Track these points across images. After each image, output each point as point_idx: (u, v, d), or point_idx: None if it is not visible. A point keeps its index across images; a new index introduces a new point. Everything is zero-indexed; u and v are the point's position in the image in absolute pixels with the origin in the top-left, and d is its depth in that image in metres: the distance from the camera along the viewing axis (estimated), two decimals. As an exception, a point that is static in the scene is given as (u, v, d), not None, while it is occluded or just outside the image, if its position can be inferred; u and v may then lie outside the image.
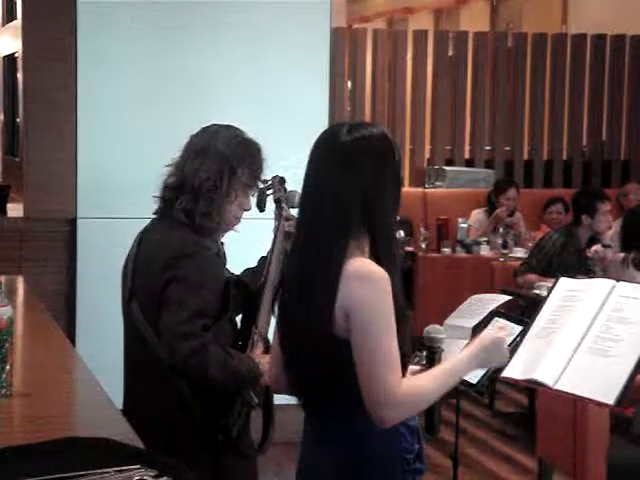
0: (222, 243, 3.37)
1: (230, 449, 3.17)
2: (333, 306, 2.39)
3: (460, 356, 2.56)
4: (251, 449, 3.28)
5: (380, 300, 2.38)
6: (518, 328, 3.50)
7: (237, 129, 3.33)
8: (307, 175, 2.53)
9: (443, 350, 2.66)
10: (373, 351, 2.37)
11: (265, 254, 3.40)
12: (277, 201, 3.31)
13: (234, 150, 3.23)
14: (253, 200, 3.32)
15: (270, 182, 3.32)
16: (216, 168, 3.19)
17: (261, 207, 3.30)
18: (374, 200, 2.46)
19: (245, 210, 3.29)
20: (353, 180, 2.44)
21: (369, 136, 2.51)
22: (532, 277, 6.64)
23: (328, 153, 2.50)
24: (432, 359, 2.67)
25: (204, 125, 3.36)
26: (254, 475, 3.39)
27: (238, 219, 3.30)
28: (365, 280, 2.39)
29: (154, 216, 3.36)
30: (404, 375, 2.47)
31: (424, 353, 2.73)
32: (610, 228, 6.90)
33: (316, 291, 2.42)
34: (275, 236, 3.33)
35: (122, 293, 3.30)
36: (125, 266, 3.32)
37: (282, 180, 3.33)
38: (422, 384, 2.46)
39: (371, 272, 2.40)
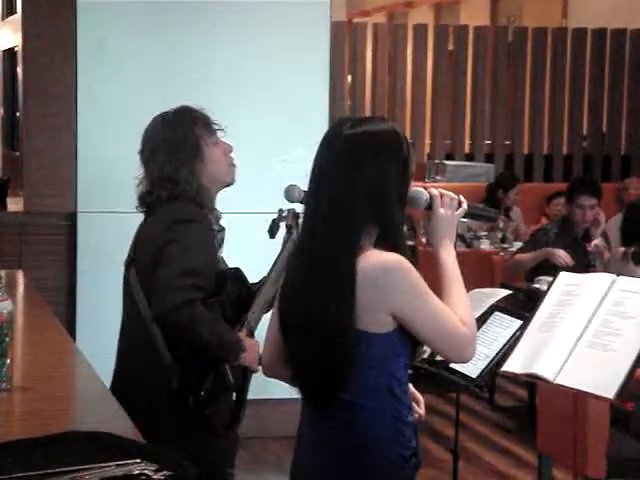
0: (224, 229, 3.44)
1: (201, 424, 3.23)
2: (353, 300, 2.42)
3: (443, 261, 2.62)
4: (221, 427, 3.32)
5: (411, 277, 2.44)
6: (518, 322, 3.51)
7: (162, 113, 3.46)
8: (312, 171, 2.53)
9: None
10: (434, 318, 2.46)
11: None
12: (289, 227, 3.35)
13: (169, 124, 3.38)
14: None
15: (285, 214, 3.34)
16: (165, 153, 3.34)
17: (272, 234, 3.36)
18: (377, 196, 2.45)
19: (230, 150, 3.42)
20: (354, 175, 2.44)
21: (372, 131, 2.49)
22: (521, 256, 6.59)
23: (331, 148, 2.49)
24: None
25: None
26: (228, 455, 3.44)
27: (232, 164, 3.43)
28: (390, 270, 2.42)
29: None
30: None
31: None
32: (598, 223, 6.88)
33: (331, 289, 2.44)
34: (280, 255, 3.36)
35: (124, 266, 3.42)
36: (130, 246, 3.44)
37: (297, 215, 3.35)
38: (460, 306, 2.53)
39: (390, 261, 2.43)
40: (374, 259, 2.43)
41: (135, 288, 3.27)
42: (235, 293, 3.34)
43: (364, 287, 2.42)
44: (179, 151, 3.32)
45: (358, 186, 2.44)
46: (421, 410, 2.74)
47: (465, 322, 2.49)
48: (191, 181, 3.30)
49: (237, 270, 3.39)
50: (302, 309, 2.51)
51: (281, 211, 3.36)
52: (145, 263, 3.25)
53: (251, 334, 3.33)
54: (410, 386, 2.70)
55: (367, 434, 2.49)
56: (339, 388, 2.48)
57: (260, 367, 3.11)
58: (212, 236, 3.32)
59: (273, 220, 3.35)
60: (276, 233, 3.35)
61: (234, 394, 3.35)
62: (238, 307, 3.33)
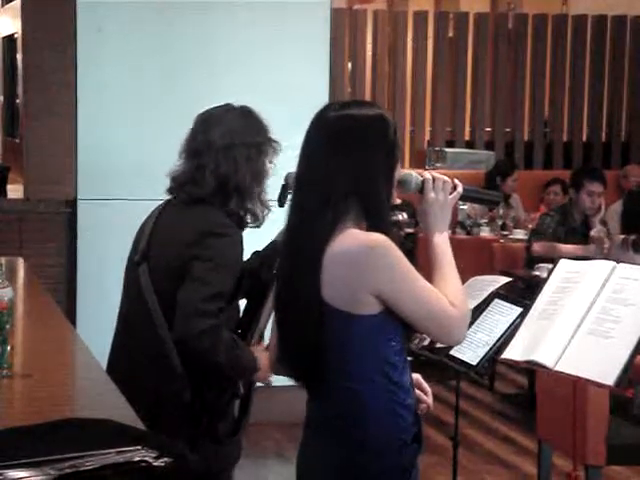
0: None
1: (208, 433, 3.20)
2: (319, 276, 2.40)
3: (435, 244, 2.57)
4: (227, 436, 3.30)
5: (393, 258, 2.40)
6: (518, 310, 3.51)
7: (232, 105, 3.33)
8: (299, 154, 2.53)
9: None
10: (419, 299, 2.43)
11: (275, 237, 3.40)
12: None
13: (251, 125, 3.27)
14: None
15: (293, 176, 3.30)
16: (240, 153, 3.21)
17: (282, 203, 3.23)
18: (359, 179, 2.44)
19: None
20: (335, 157, 2.43)
21: (356, 115, 2.48)
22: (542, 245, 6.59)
23: (315, 130, 2.49)
24: None
25: (203, 107, 3.35)
26: (229, 460, 3.40)
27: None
28: (372, 250, 2.39)
29: (158, 198, 3.40)
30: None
31: None
32: (598, 210, 6.89)
33: (304, 264, 2.44)
34: None
35: (129, 258, 3.31)
36: (140, 232, 3.32)
37: None
38: (450, 288, 2.50)
39: (372, 241, 2.40)
40: (356, 239, 2.41)
41: (147, 288, 3.16)
42: (249, 287, 3.28)
43: (346, 267, 2.40)
44: (251, 159, 3.23)
45: (338, 168, 2.42)
46: (429, 400, 2.74)
47: (454, 304, 2.46)
48: (247, 192, 3.23)
49: (251, 271, 3.34)
50: (284, 287, 2.53)
51: (289, 175, 3.18)
52: (163, 265, 3.16)
53: (261, 337, 3.29)
54: (419, 377, 2.70)
55: (363, 418, 2.48)
56: (321, 367, 2.47)
57: (271, 377, 3.10)
58: (240, 250, 3.21)
59: (283, 186, 3.24)
60: (285, 201, 3.20)
61: (238, 402, 3.33)
62: (252, 304, 3.30)
